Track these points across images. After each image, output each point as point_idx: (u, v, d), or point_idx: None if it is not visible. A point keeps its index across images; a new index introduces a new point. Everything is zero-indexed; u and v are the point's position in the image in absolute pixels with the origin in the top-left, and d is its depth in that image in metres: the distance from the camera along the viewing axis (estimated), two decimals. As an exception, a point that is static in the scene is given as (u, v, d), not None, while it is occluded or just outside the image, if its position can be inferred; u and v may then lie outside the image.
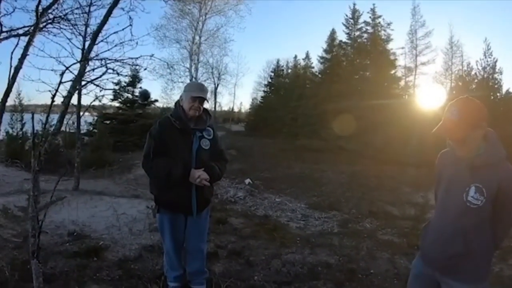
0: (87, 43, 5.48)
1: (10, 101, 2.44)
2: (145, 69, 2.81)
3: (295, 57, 26.10)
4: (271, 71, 29.08)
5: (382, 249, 3.66)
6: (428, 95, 16.90)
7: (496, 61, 14.06)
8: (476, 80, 14.46)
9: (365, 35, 17.91)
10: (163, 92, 22.27)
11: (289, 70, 27.27)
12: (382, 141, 12.69)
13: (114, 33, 2.53)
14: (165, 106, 18.41)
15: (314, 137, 15.54)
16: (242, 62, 51.97)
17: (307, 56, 23.78)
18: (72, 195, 5.28)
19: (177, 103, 2.31)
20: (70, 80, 1.94)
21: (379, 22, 17.44)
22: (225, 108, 36.64)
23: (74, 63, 2.05)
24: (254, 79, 46.27)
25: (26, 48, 2.11)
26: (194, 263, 2.41)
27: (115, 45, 2.97)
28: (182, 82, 21.26)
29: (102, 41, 3.10)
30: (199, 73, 22.52)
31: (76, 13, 4.07)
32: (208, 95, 2.42)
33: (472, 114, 1.39)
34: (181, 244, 2.40)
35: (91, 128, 13.34)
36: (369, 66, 16.95)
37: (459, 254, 1.43)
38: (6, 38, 2.48)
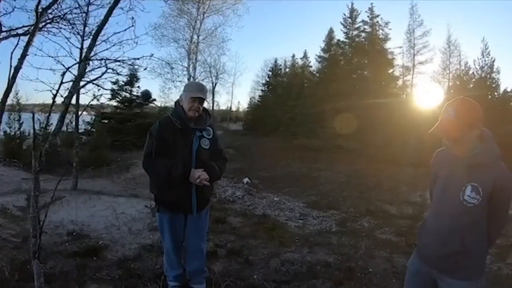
0: (85, 42, 5.49)
1: (8, 101, 2.43)
2: (145, 69, 2.81)
3: (293, 56, 26.29)
4: (269, 70, 29.16)
5: (380, 248, 3.68)
6: (426, 94, 17.00)
7: (494, 60, 14.21)
8: (473, 80, 14.56)
9: (363, 35, 18.02)
10: (161, 91, 22.17)
11: (287, 69, 27.33)
12: (380, 140, 12.74)
13: (116, 33, 2.53)
14: (162, 105, 18.33)
15: (312, 136, 15.59)
16: (240, 61, 52.12)
17: (305, 55, 23.91)
18: (70, 195, 5.26)
19: (177, 103, 2.31)
20: (71, 80, 1.94)
21: (377, 22, 17.56)
22: (223, 107, 36.61)
23: (76, 63, 2.05)
24: (252, 78, 46.36)
25: (26, 48, 2.10)
26: (193, 262, 2.41)
27: (114, 44, 2.98)
28: (180, 81, 21.19)
29: (102, 41, 3.10)
30: (197, 72, 22.46)
31: (75, 13, 4.08)
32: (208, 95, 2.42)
33: (468, 114, 1.41)
34: (181, 244, 2.40)
35: (89, 127, 13.31)
36: (367, 65, 17.03)
37: (456, 252, 1.46)
38: (6, 38, 2.48)
